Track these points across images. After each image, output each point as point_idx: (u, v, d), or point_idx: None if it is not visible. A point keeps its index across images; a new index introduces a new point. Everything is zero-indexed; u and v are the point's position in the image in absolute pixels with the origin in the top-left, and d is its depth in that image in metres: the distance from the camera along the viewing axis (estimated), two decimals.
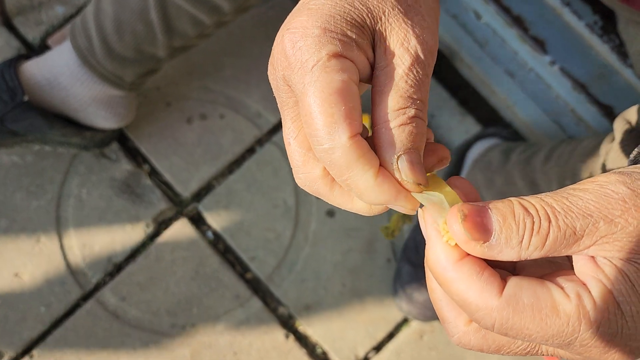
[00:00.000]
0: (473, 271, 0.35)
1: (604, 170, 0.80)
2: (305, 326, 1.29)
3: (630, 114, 0.79)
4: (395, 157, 0.38)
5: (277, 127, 1.34)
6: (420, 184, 0.38)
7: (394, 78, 0.38)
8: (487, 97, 1.38)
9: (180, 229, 1.31)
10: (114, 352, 1.26)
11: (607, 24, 1.06)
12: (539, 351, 0.38)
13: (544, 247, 0.34)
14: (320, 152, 0.37)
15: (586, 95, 1.14)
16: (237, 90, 1.35)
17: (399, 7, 0.39)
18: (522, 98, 1.28)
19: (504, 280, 0.35)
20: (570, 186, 0.36)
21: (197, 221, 1.32)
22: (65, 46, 1.16)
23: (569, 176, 0.89)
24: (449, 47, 1.36)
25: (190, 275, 1.29)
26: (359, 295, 1.30)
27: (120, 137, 1.34)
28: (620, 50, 1.05)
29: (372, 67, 0.40)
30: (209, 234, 1.32)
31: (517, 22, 1.14)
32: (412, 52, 0.39)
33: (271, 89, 0.41)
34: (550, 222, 0.34)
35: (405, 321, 1.30)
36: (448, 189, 0.39)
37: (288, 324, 1.29)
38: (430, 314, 1.26)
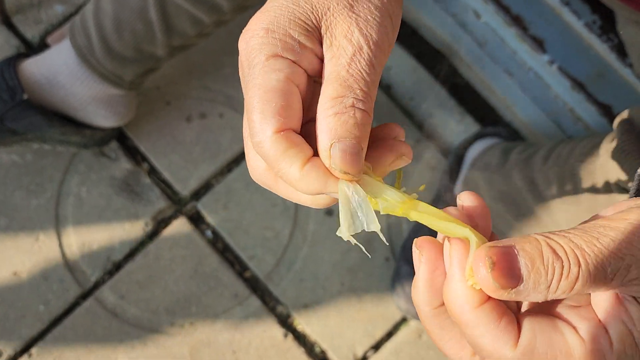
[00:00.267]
0: (492, 318, 0.35)
1: (604, 169, 0.80)
2: (303, 325, 1.29)
3: (631, 114, 0.79)
4: (329, 144, 0.38)
5: None
6: (349, 174, 0.38)
7: (336, 67, 0.39)
8: (486, 97, 1.38)
9: (179, 228, 1.31)
10: (113, 351, 1.26)
11: (606, 24, 1.06)
12: None
13: (572, 290, 0.34)
14: (255, 145, 0.39)
15: (585, 94, 1.14)
16: (236, 89, 1.35)
17: (346, 2, 0.40)
18: (521, 97, 1.28)
19: (519, 324, 0.35)
20: (600, 222, 0.35)
21: (196, 220, 1.32)
22: (65, 45, 1.16)
23: (568, 176, 0.89)
24: (448, 47, 1.36)
25: (189, 274, 1.29)
26: (358, 294, 1.30)
27: (120, 136, 1.34)
28: (619, 49, 1.05)
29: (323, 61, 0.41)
30: (208, 232, 1.32)
31: (516, 21, 1.14)
32: (355, 43, 0.39)
33: None
34: (580, 266, 0.33)
35: (403, 320, 1.30)
36: (467, 228, 0.37)
37: (286, 323, 1.30)
38: None
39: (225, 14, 1.05)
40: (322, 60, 0.40)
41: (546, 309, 0.37)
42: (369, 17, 0.40)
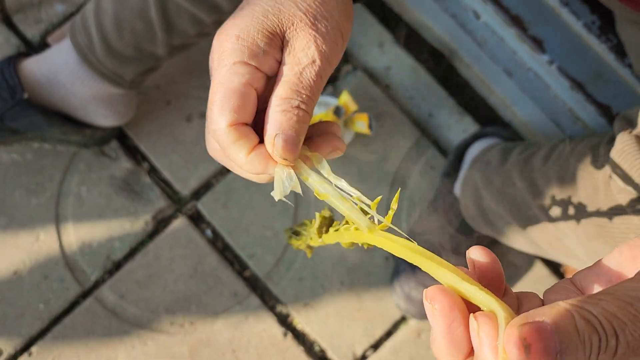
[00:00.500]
0: None
1: (604, 169, 0.80)
2: (303, 324, 1.29)
3: (631, 114, 0.79)
4: (274, 134, 0.46)
5: None
6: (287, 160, 0.47)
7: (289, 73, 0.47)
8: (486, 97, 1.39)
9: (179, 227, 1.31)
10: (113, 350, 1.26)
11: (605, 24, 1.06)
12: None
13: None
14: (211, 132, 0.48)
15: (584, 94, 1.14)
16: None
17: (307, 20, 0.48)
18: (520, 97, 1.29)
19: None
20: (632, 284, 0.34)
21: (196, 219, 1.32)
22: (65, 44, 1.16)
23: (569, 176, 0.89)
24: (448, 47, 1.36)
25: (188, 273, 1.30)
26: (357, 294, 1.30)
27: (120, 135, 1.34)
28: (618, 50, 1.05)
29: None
30: (208, 232, 1.32)
31: (516, 21, 1.15)
32: (309, 56, 0.48)
33: None
34: (617, 337, 0.32)
35: (403, 319, 1.30)
36: (494, 299, 0.36)
37: (286, 322, 1.30)
38: None
39: (226, 13, 1.05)
40: (280, 63, 0.49)
41: None
42: (325, 35, 0.48)
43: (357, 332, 1.29)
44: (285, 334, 1.28)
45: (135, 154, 1.34)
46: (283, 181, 0.47)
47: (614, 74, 1.09)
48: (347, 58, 1.40)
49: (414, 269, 1.26)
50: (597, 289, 0.39)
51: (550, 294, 0.40)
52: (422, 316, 1.27)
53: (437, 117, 1.39)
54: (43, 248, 1.28)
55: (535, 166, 0.98)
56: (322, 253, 1.31)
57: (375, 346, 1.29)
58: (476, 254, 0.39)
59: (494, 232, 1.13)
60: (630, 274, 0.37)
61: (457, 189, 1.24)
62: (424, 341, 1.29)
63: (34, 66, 1.18)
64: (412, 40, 1.42)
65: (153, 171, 1.34)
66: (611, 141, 0.81)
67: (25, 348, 1.25)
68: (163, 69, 1.29)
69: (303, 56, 0.48)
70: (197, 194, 1.33)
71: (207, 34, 1.11)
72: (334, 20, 0.49)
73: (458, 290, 0.37)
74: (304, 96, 0.47)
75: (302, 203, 1.32)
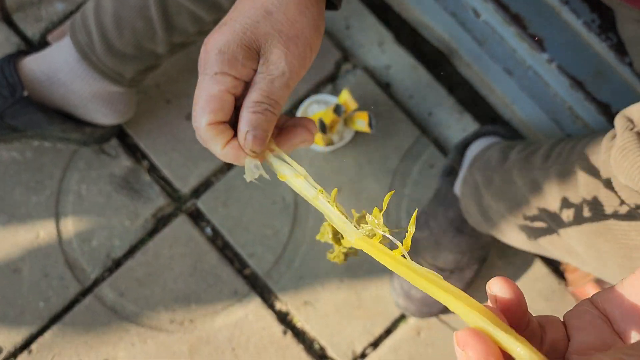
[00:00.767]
0: None
1: (605, 167, 0.80)
2: (303, 322, 1.30)
3: (632, 112, 0.79)
4: (246, 130, 0.55)
5: None
6: (255, 152, 0.56)
7: (262, 82, 0.56)
8: (486, 95, 1.39)
9: (179, 225, 1.31)
10: (113, 348, 1.26)
11: (605, 23, 1.06)
12: None
13: None
14: (195, 128, 0.57)
15: (584, 92, 1.14)
16: None
17: (280, 38, 0.57)
18: (520, 96, 1.29)
19: None
20: None
21: (196, 217, 1.32)
22: (65, 42, 1.16)
23: (569, 174, 0.89)
24: (448, 45, 1.36)
25: (188, 271, 1.30)
26: (357, 292, 1.31)
27: (120, 134, 1.34)
28: (618, 48, 1.05)
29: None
30: (208, 230, 1.32)
31: (516, 20, 1.15)
32: (280, 69, 0.56)
33: None
34: None
35: (402, 317, 1.31)
36: (522, 345, 0.34)
37: (286, 320, 1.30)
38: (427, 311, 1.27)
39: (225, 11, 1.05)
40: (256, 71, 0.57)
41: None
42: (295, 50, 0.57)
43: (357, 330, 1.29)
44: (285, 332, 1.28)
45: (135, 152, 1.34)
46: (251, 168, 0.57)
47: (613, 73, 1.09)
48: (347, 57, 1.40)
49: None
50: (623, 317, 0.37)
51: (574, 319, 0.38)
52: (421, 314, 1.27)
53: (436, 116, 1.39)
54: (43, 246, 1.28)
55: (535, 165, 0.98)
56: (322, 251, 1.31)
57: (375, 344, 1.29)
58: (498, 288, 0.37)
59: (494, 230, 1.13)
60: None
61: (457, 187, 1.24)
62: (423, 339, 1.30)
63: (34, 64, 1.18)
64: (412, 38, 1.42)
65: (153, 169, 1.34)
66: (612, 139, 0.81)
67: (25, 346, 1.25)
68: (163, 67, 1.29)
69: (274, 69, 0.56)
70: (197, 192, 1.33)
71: (207, 32, 1.11)
72: (303, 37, 0.57)
73: (489, 334, 0.34)
74: (272, 101, 0.56)
75: (302, 201, 1.32)
